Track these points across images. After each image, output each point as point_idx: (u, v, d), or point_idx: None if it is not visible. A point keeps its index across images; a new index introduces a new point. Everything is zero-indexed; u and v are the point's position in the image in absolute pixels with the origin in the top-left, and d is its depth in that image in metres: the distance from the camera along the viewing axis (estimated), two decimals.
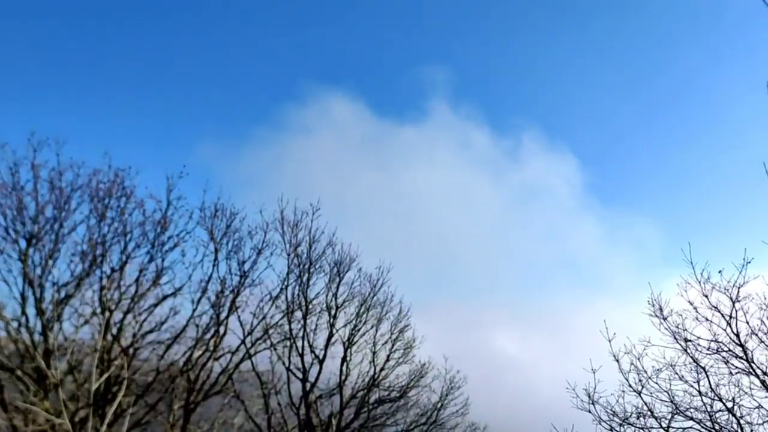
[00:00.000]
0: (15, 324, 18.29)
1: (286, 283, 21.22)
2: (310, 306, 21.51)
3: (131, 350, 19.50)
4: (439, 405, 21.85)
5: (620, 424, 13.36)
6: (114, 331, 19.51)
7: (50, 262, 19.15)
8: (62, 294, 19.24)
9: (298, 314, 21.45)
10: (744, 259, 12.21)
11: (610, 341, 13.30)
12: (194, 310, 20.52)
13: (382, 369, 21.69)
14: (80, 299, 19.54)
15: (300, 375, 21.36)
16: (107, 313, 19.10)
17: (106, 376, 15.46)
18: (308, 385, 21.26)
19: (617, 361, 13.39)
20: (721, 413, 12.79)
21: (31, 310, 18.60)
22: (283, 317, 21.20)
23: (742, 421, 12.41)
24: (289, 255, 21.37)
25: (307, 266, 21.48)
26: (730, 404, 12.61)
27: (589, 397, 13.58)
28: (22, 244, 18.89)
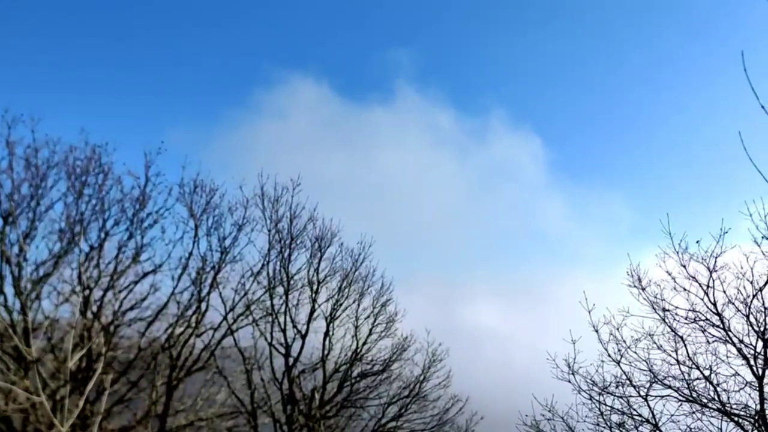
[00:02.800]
0: None
1: (267, 258, 21.18)
2: (292, 281, 21.48)
3: (112, 328, 19.40)
4: (422, 378, 21.95)
5: (599, 393, 13.52)
6: (94, 308, 19.39)
7: (27, 240, 18.93)
8: (40, 272, 19.08)
9: (280, 290, 21.43)
10: (721, 229, 12.32)
11: (589, 312, 13.43)
12: (175, 287, 20.46)
13: (364, 343, 21.77)
14: (59, 277, 19.39)
15: (282, 350, 21.38)
16: (86, 291, 18.95)
17: (82, 353, 15.36)
18: (291, 360, 21.30)
19: (596, 331, 13.52)
20: (698, 381, 12.97)
21: (9, 289, 18.43)
22: (264, 293, 21.17)
23: (719, 389, 12.59)
24: (269, 231, 21.30)
25: (288, 242, 21.42)
26: (707, 372, 12.78)
27: (569, 367, 13.73)
28: None
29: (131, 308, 20.19)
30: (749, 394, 12.38)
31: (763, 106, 5.57)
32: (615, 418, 13.41)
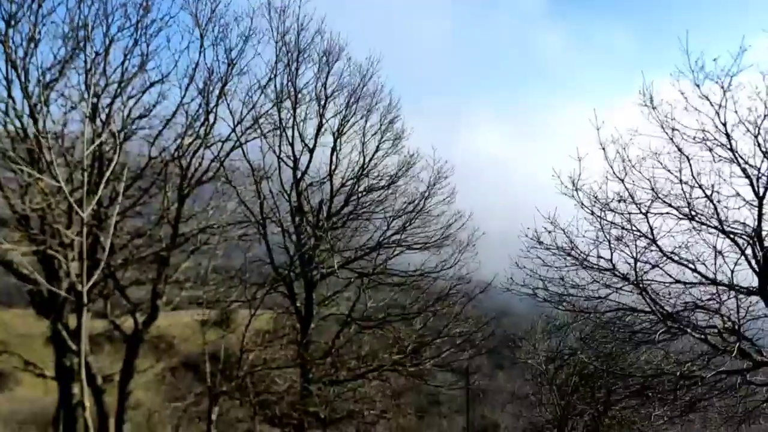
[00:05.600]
0: (2, 106, 18.04)
1: (274, 72, 20.87)
2: (300, 95, 21.40)
3: (122, 135, 19.46)
4: (426, 194, 22.35)
5: (601, 209, 13.80)
6: (103, 116, 19.37)
7: (32, 44, 18.49)
8: (47, 78, 18.81)
9: (288, 104, 21.37)
10: (740, 47, 12.01)
11: (598, 129, 13.39)
12: (183, 97, 20.20)
13: (371, 159, 22.06)
14: (66, 84, 19.13)
15: (291, 163, 21.71)
16: (95, 98, 18.84)
17: (97, 143, 15.43)
18: (299, 173, 21.68)
19: (603, 149, 13.53)
20: (699, 200, 13.22)
21: (17, 93, 18.26)
22: (272, 106, 21.10)
23: (718, 206, 12.86)
24: (276, 43, 20.87)
25: (295, 55, 21.08)
26: (708, 192, 12.99)
27: (573, 183, 13.90)
28: (1, 24, 18.12)
29: (140, 117, 20.10)
30: (749, 211, 12.68)
31: None
32: (615, 232, 13.80)
